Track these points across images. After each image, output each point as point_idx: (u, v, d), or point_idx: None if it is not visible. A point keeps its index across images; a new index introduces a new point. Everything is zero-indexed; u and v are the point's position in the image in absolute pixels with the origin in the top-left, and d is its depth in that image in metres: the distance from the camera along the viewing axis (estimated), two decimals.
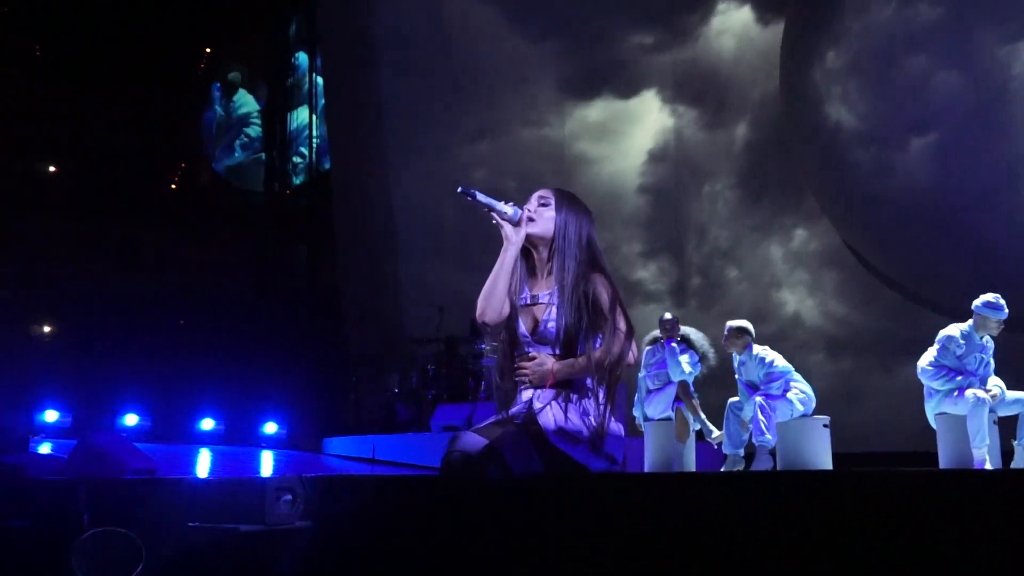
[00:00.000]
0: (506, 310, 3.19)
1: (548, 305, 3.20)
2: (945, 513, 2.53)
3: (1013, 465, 4.08)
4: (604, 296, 3.16)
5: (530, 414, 3.09)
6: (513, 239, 3.19)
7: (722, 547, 2.65)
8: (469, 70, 12.68)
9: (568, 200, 3.31)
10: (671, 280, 12.34)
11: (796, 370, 5.50)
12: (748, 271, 11.94)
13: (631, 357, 3.19)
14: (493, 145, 12.94)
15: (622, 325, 3.15)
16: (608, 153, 12.86)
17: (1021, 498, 2.52)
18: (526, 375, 3.12)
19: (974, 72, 9.76)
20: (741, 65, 12.18)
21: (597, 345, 3.15)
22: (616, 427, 3.18)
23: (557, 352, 3.15)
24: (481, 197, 3.16)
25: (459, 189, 3.17)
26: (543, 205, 3.26)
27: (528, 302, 3.24)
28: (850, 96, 10.76)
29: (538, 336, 3.18)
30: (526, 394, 3.15)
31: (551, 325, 3.16)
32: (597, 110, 12.95)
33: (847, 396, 9.92)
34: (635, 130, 12.80)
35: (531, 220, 3.22)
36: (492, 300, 3.16)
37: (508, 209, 3.18)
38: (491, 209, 3.18)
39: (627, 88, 12.80)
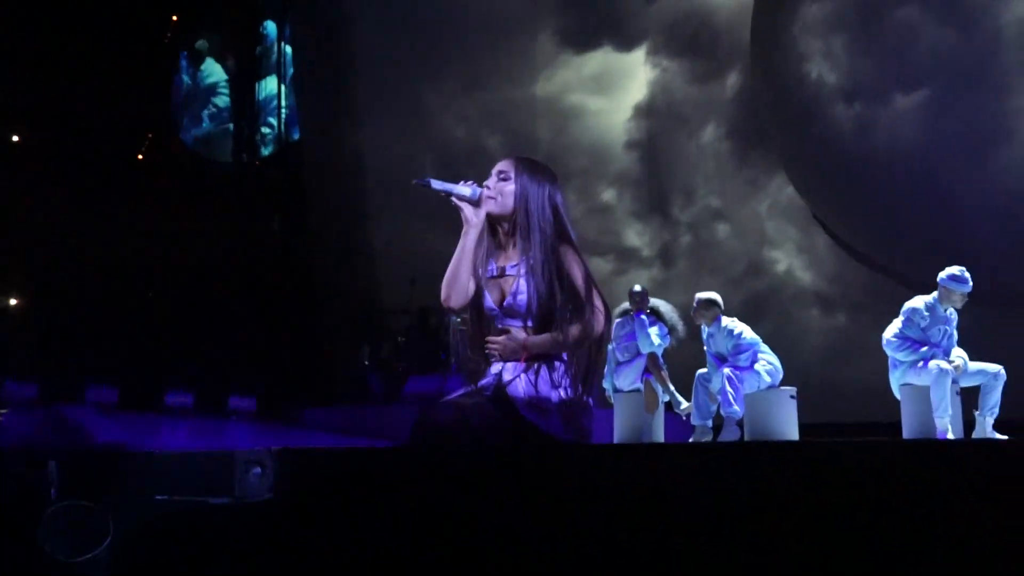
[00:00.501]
0: (471, 290, 3.17)
1: (516, 277, 3.18)
2: (908, 483, 2.57)
3: (974, 435, 4.15)
4: (576, 271, 3.15)
5: (500, 385, 3.10)
6: (473, 221, 3.15)
7: (690, 516, 2.68)
8: (447, 27, 12.48)
9: (528, 169, 3.25)
10: (662, 239, 12.24)
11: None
12: (738, 228, 11.83)
13: (610, 334, 3.21)
14: (474, 103, 12.80)
15: (598, 303, 3.16)
16: (596, 108, 12.72)
17: (982, 468, 2.57)
18: (496, 349, 3.11)
19: (965, 23, 9.65)
20: (733, 9, 11.92)
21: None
22: (588, 400, 3.19)
23: (529, 324, 3.14)
24: (436, 184, 3.12)
25: (415, 182, 3.14)
26: (503, 180, 3.22)
27: (495, 274, 3.22)
28: (833, 52, 10.63)
29: (506, 309, 3.16)
30: (495, 367, 3.15)
31: (521, 298, 3.15)
32: (585, 63, 12.72)
33: (843, 355, 9.89)
34: (624, 84, 12.64)
35: (491, 199, 3.18)
36: (456, 284, 3.14)
37: (466, 190, 3.14)
38: (449, 194, 3.14)
39: (617, 41, 12.60)
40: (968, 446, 2.92)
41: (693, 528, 2.66)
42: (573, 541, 2.69)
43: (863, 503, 2.54)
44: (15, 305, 14.56)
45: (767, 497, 2.63)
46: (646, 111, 12.44)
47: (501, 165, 3.24)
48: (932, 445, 2.94)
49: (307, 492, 3.12)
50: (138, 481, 3.44)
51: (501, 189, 3.18)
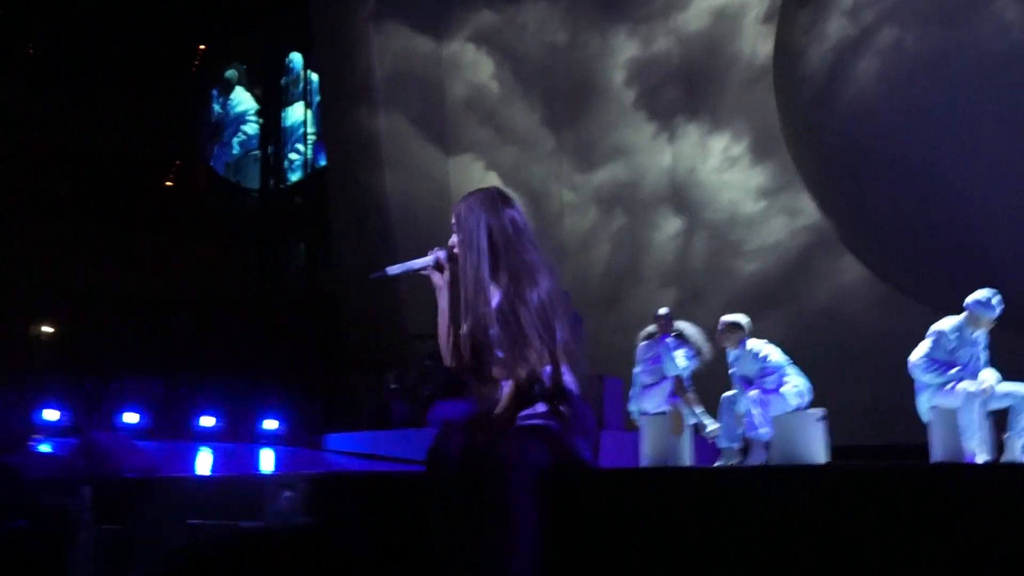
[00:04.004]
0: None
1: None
2: (937, 507, 2.56)
3: (1004, 458, 4.11)
4: (517, 307, 2.89)
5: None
6: (440, 284, 3.01)
7: (717, 542, 2.68)
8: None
9: (464, 208, 2.96)
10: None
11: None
12: None
13: (578, 365, 2.92)
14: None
15: (534, 339, 2.83)
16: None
17: (1012, 492, 2.55)
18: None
19: None
20: None
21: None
22: (588, 422, 3.01)
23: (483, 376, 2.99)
24: (392, 270, 3.02)
25: (371, 277, 3.06)
26: (454, 232, 3.03)
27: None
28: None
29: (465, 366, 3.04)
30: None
31: (466, 352, 2.99)
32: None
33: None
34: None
35: (454, 254, 2.99)
36: (444, 348, 3.04)
37: (421, 261, 3.01)
38: (409, 271, 3.03)
39: None
40: (998, 470, 2.89)
41: (719, 554, 2.65)
42: (599, 566, 2.69)
43: (892, 528, 2.53)
44: (49, 334, 14.75)
45: (795, 522, 2.62)
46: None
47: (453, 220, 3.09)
48: (961, 469, 2.92)
49: (337, 516, 3.15)
50: (171, 506, 3.48)
51: (454, 240, 3.03)
